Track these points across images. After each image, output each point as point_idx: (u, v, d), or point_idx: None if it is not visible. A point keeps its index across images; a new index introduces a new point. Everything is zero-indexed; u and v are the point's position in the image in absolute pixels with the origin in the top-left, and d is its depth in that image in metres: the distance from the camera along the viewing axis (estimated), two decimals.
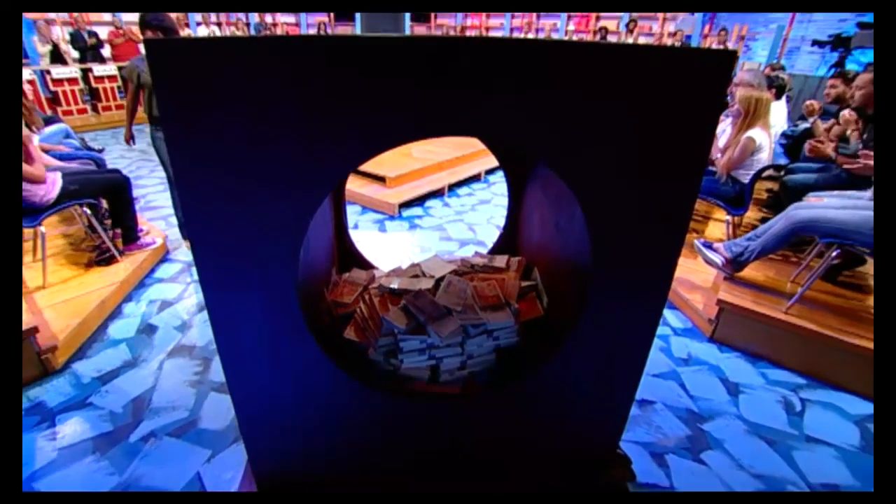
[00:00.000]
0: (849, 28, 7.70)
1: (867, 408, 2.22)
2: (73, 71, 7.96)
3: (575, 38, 10.99)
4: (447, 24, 14.11)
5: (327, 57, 0.86)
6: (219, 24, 11.24)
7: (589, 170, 1.04)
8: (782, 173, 3.62)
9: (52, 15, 8.94)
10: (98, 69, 8.23)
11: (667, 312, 2.91)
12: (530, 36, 11.28)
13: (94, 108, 8.42)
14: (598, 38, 10.37)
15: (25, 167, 2.53)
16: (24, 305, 2.51)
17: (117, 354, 2.45)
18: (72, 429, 2.00)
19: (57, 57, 8.20)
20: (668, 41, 9.81)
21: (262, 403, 1.25)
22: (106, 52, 8.96)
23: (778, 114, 4.16)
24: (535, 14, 12.63)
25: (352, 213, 4.40)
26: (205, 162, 0.92)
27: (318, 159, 0.96)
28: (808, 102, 3.97)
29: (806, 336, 2.36)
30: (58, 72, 7.78)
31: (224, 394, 2.19)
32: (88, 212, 2.97)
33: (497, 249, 2.08)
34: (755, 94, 3.00)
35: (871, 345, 2.23)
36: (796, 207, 2.58)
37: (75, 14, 8.86)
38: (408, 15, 14.42)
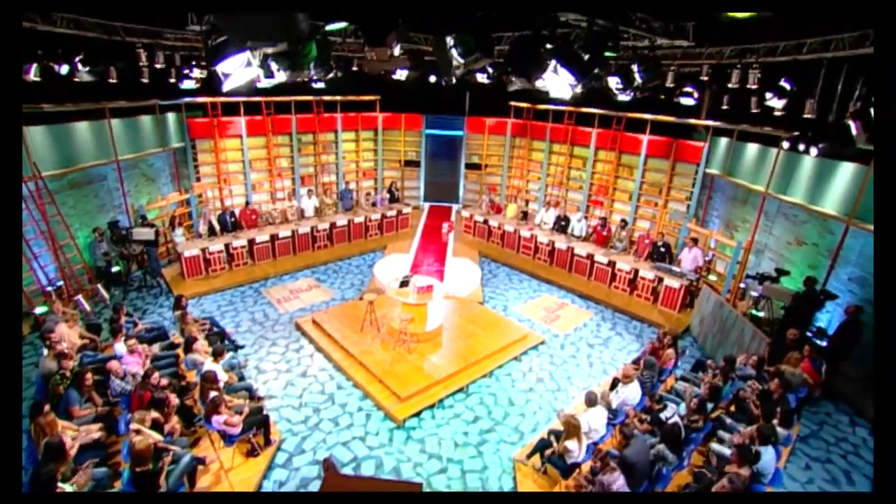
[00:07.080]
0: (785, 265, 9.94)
1: None
2: (220, 245, 12.05)
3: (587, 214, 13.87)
4: (494, 175, 17.59)
5: None
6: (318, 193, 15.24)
7: None
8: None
9: (208, 209, 13.37)
10: (235, 242, 12.27)
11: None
12: (557, 210, 14.26)
13: (230, 264, 12.41)
14: (599, 224, 13.15)
15: (229, 429, 5.88)
16: (228, 484, 5.77)
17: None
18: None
19: (211, 231, 12.35)
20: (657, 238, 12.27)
21: None
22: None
23: (635, 393, 6.80)
24: (564, 188, 15.71)
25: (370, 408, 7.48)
26: None
27: None
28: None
29: None
30: (213, 247, 11.88)
31: None
32: (252, 435, 6.30)
33: None
34: (571, 420, 5.77)
35: None
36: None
37: (225, 205, 13.11)
38: (462, 165, 18.22)
